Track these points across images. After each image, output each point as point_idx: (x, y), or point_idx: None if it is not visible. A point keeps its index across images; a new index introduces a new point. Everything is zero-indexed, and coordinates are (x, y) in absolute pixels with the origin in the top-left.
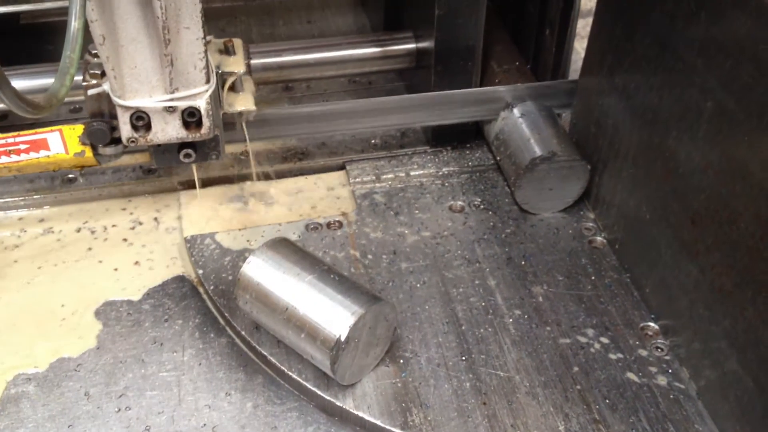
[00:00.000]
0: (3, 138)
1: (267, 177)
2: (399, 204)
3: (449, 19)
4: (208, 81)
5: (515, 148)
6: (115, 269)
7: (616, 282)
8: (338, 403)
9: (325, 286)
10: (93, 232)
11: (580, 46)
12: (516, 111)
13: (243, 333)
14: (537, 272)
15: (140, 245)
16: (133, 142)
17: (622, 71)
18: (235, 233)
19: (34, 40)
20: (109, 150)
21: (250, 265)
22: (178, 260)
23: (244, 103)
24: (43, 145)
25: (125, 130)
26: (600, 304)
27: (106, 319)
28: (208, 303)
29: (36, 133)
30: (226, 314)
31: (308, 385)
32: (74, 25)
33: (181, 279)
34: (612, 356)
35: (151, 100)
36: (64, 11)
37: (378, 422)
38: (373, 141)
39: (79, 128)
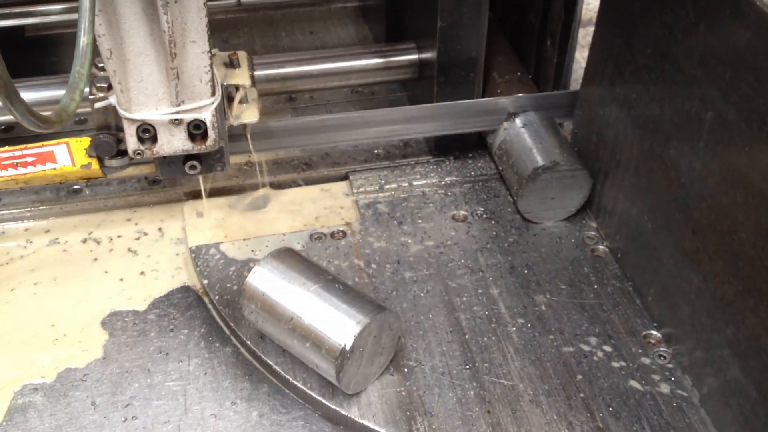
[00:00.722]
0: (10, 151)
1: (271, 187)
2: (402, 214)
3: (451, 30)
4: (213, 94)
5: (517, 157)
6: (121, 279)
7: (618, 290)
8: (343, 412)
9: (330, 296)
10: (98, 243)
11: (581, 56)
12: (518, 121)
13: (248, 342)
14: (540, 281)
15: (145, 255)
16: (139, 154)
17: (623, 81)
18: (239, 243)
19: (39, 53)
20: (115, 162)
21: (255, 275)
22: (183, 270)
23: (248, 114)
24: (49, 157)
25: (131, 143)
26: (603, 313)
27: (112, 329)
28: (213, 313)
29: (43, 145)
30: (231, 324)
31: (313, 394)
32: (83, 40)
33: (186, 289)
34: (615, 364)
35: (157, 112)
36: (69, 24)
37: (383, 431)
38: (376, 151)
39: (85, 141)
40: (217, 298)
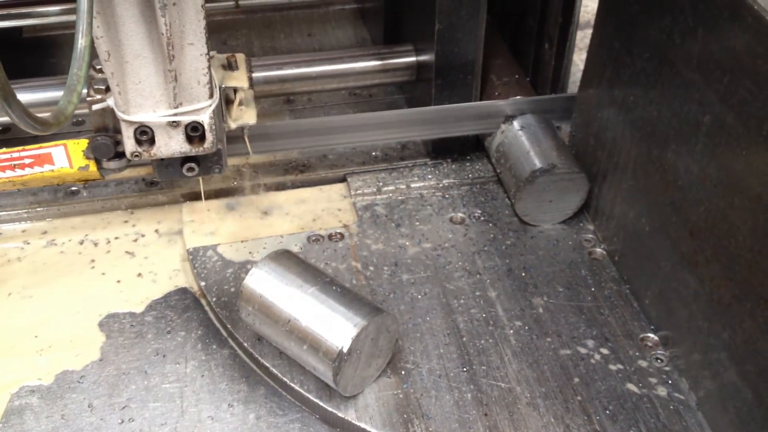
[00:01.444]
0: (8, 152)
1: (269, 189)
2: (400, 216)
3: (449, 33)
4: (211, 96)
5: (515, 160)
6: (118, 281)
7: (615, 293)
8: (340, 415)
9: (327, 298)
10: (96, 245)
11: (578, 58)
12: (516, 124)
13: (245, 344)
14: (537, 283)
15: (143, 257)
16: (137, 156)
17: (621, 84)
18: (237, 245)
19: (36, 54)
20: (113, 164)
21: (252, 277)
22: (180, 272)
23: (246, 117)
24: (47, 159)
25: (129, 145)
26: (600, 315)
27: (109, 331)
28: (211, 315)
29: (40, 147)
30: (229, 326)
31: (310, 397)
32: (81, 42)
33: (183, 291)
34: (612, 367)
35: (155, 114)
36: (67, 25)
37: None
38: (373, 153)
39: (83, 143)
40: (214, 300)
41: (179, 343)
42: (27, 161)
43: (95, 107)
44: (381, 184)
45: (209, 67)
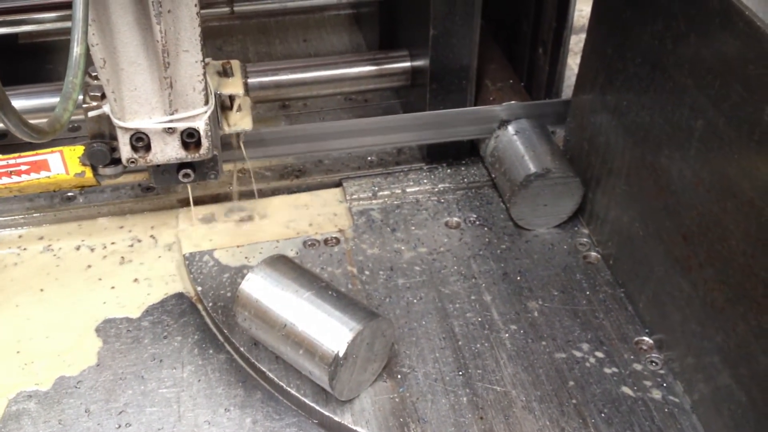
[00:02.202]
0: (4, 159)
1: (264, 194)
2: (395, 220)
3: (444, 38)
4: (206, 102)
5: (510, 165)
6: (114, 287)
7: (610, 297)
8: (336, 419)
9: (323, 303)
10: (92, 250)
11: (573, 62)
12: (510, 128)
13: (242, 349)
14: (532, 287)
15: (139, 263)
16: (132, 162)
17: (614, 90)
18: (233, 250)
19: (32, 60)
20: (109, 170)
21: (248, 282)
22: (176, 277)
23: (242, 123)
24: (43, 166)
25: (125, 151)
26: (595, 319)
27: (106, 337)
28: (207, 320)
29: (37, 154)
30: (225, 331)
31: (307, 401)
32: (76, 50)
33: (179, 296)
34: (607, 370)
35: (150, 121)
36: (63, 31)
37: None
38: (369, 158)
39: (79, 149)
40: (210, 305)
41: (176, 348)
42: (23, 168)
43: (91, 114)
44: (376, 188)
45: (204, 74)
